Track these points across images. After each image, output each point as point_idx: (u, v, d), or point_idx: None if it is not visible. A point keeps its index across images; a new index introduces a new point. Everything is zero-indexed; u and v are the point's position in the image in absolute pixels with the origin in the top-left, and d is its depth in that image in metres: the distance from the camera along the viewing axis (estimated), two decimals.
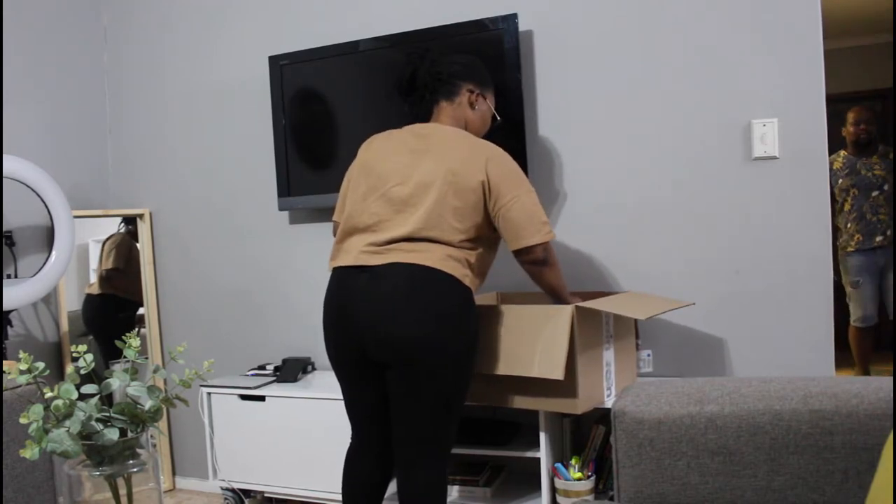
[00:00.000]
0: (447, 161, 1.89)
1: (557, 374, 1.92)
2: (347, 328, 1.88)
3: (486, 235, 1.95)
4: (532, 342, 1.98)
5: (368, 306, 1.84)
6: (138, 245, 3.18)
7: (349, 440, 2.06)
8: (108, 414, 1.35)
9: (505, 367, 2.02)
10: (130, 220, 3.18)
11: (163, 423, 3.15)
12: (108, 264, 3.12)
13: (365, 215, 1.93)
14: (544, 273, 1.98)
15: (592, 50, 2.47)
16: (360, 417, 2.00)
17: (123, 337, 1.42)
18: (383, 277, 1.84)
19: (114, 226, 3.16)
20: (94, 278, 3.10)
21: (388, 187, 1.92)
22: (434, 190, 1.86)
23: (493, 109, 2.13)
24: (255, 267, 3.02)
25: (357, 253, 1.90)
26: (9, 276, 2.74)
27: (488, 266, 2.02)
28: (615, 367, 2.19)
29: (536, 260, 1.94)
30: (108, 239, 3.14)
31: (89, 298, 3.09)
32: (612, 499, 2.11)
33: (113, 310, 3.18)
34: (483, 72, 2.11)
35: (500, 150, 1.95)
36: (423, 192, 1.87)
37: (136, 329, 3.15)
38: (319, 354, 2.85)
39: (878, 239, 3.98)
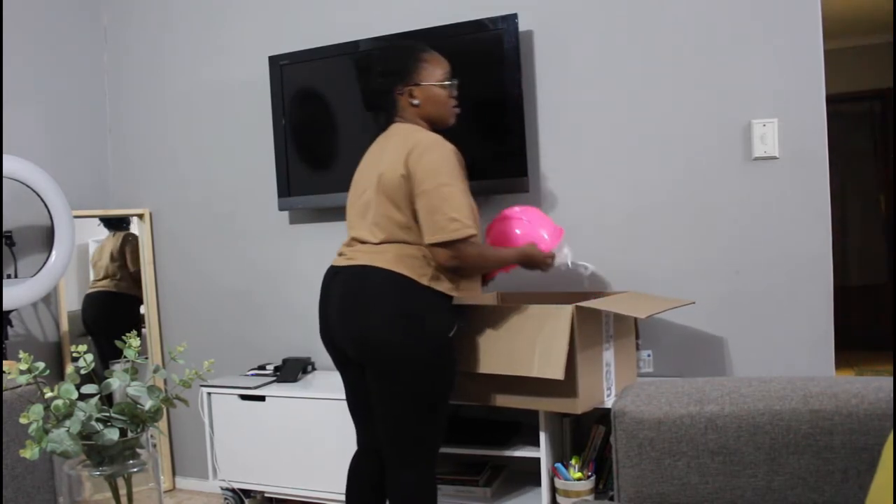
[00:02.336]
0: (384, 161, 1.89)
1: (557, 374, 1.92)
2: (328, 328, 1.95)
3: None
4: (531, 342, 1.98)
5: (334, 308, 1.90)
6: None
7: (349, 440, 2.06)
8: (108, 414, 1.35)
9: (504, 367, 2.02)
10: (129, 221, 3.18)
11: (163, 423, 3.15)
12: (135, 265, 3.15)
13: (348, 220, 2.01)
14: (466, 271, 1.88)
15: (592, 50, 2.47)
16: (360, 416, 2.01)
17: (123, 337, 1.42)
18: (344, 279, 1.89)
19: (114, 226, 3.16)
20: (93, 275, 3.10)
21: (358, 192, 1.98)
22: (375, 190, 1.88)
23: (438, 81, 1.93)
24: (255, 267, 3.02)
25: (337, 255, 1.98)
26: (9, 276, 2.74)
27: None
28: (615, 367, 2.19)
29: (447, 266, 1.81)
30: (125, 237, 3.16)
31: (96, 295, 3.10)
32: (612, 499, 2.11)
33: (125, 308, 3.20)
34: (400, 62, 1.94)
35: (430, 140, 1.84)
36: (373, 194, 1.89)
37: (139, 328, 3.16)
38: (319, 354, 2.85)
39: None
